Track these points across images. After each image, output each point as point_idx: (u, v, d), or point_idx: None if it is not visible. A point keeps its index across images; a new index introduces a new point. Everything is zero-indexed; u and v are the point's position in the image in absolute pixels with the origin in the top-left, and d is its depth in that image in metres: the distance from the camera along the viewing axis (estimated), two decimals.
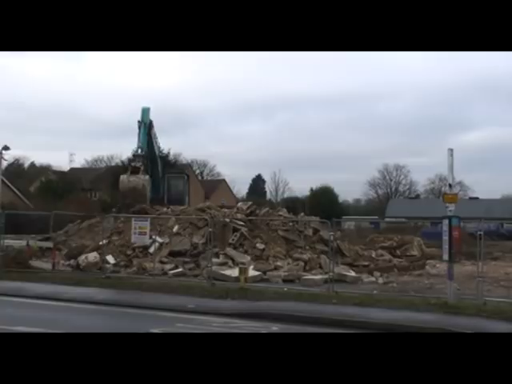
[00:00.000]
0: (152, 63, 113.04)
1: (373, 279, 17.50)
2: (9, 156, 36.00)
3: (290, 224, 21.47)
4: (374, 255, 21.74)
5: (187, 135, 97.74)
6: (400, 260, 21.94)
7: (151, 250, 18.85)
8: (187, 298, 12.95)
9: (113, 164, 63.82)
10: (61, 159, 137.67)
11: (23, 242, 19.95)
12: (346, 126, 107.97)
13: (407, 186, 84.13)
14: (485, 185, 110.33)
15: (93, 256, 18.74)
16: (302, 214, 27.53)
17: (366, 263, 19.89)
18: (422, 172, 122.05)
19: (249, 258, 18.51)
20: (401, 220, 46.66)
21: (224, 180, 75.38)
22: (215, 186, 69.96)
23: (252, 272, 16.29)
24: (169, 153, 48.51)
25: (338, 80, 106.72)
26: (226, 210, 23.43)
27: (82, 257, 18.88)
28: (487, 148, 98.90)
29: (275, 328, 10.10)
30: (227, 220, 20.39)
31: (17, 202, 37.19)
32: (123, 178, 24.60)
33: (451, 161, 12.78)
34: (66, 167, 66.58)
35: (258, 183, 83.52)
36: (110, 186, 47.47)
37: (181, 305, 12.25)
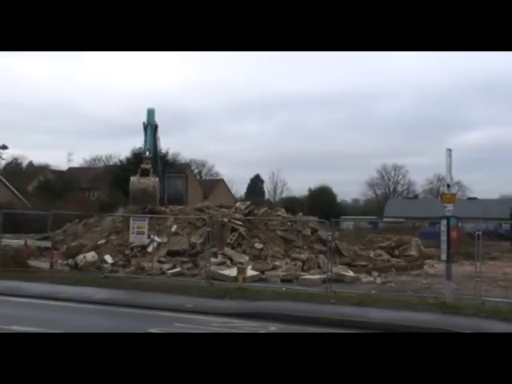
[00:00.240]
0: (152, 63, 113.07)
1: (371, 279, 17.48)
2: (7, 155, 35.98)
3: (289, 224, 21.47)
4: (372, 255, 21.72)
5: (186, 135, 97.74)
6: (398, 260, 21.91)
7: (149, 249, 18.84)
8: (185, 298, 12.95)
9: (111, 163, 63.83)
10: (59, 158, 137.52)
11: (21, 242, 19.97)
12: (345, 125, 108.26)
13: (405, 186, 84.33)
14: (483, 185, 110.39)
15: (91, 255, 18.72)
16: (301, 213, 27.48)
17: (365, 263, 19.87)
18: (421, 172, 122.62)
19: (247, 257, 18.53)
20: (399, 220, 46.78)
21: (222, 180, 75.36)
22: (214, 185, 69.97)
23: (250, 272, 16.27)
24: (167, 152, 48.50)
25: (337, 80, 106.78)
26: (224, 209, 23.45)
27: (80, 256, 18.87)
28: (485, 148, 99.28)
29: (273, 328, 10.10)
30: (225, 220, 20.40)
31: (15, 201, 37.10)
32: (134, 179, 24.70)
33: (449, 161, 12.77)
34: (64, 166, 66.63)
35: (256, 183, 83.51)
36: (108, 186, 47.52)
37: (179, 304, 12.25)
